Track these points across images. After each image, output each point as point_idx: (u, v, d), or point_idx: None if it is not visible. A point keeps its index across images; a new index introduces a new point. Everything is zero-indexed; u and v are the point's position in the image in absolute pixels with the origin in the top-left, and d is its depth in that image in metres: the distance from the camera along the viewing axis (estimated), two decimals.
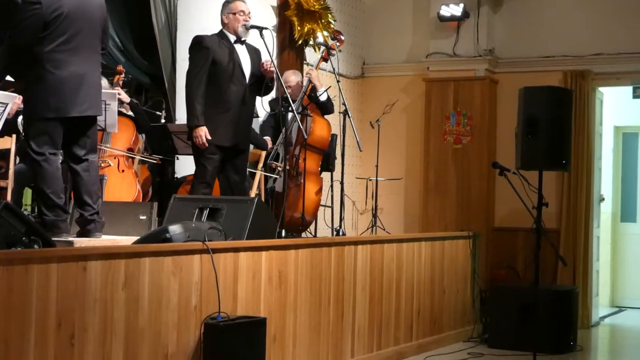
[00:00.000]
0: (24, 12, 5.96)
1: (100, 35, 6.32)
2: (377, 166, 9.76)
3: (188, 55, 7.35)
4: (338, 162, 8.98)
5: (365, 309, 7.26)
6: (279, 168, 8.34)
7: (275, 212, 7.86)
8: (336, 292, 6.83)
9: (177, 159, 8.85)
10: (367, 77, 11.64)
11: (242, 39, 7.37)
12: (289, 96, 7.74)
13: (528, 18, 10.81)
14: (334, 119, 9.08)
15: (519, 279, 10.04)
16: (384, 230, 9.69)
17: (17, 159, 8.18)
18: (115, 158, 8.27)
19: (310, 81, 8.66)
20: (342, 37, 9.17)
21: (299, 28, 9.79)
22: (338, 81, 8.42)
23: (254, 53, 7.46)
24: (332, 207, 8.88)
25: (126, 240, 6.05)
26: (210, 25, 7.50)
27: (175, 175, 9.21)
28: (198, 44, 7.29)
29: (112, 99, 7.65)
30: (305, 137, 7.84)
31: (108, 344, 4.67)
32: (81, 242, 5.93)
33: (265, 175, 8.47)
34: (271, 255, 6.02)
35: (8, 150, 8.04)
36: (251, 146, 7.96)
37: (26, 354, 4.20)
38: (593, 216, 10.45)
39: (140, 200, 8.28)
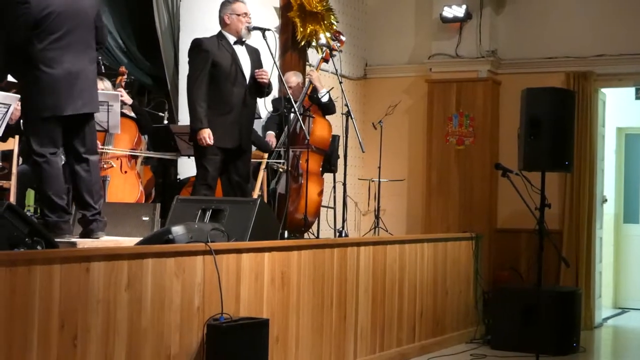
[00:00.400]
0: (13, 11, 5.94)
1: (93, 30, 6.29)
2: (379, 167, 9.75)
3: (188, 59, 7.36)
4: (340, 163, 8.98)
5: (367, 310, 7.26)
6: (280, 169, 8.34)
7: (278, 213, 7.87)
8: (339, 293, 6.83)
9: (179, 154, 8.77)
10: (370, 78, 11.63)
11: (244, 40, 7.37)
12: (289, 94, 7.74)
13: (530, 19, 10.81)
14: (337, 120, 9.08)
15: (522, 280, 10.04)
16: (387, 231, 9.69)
17: (20, 160, 8.18)
18: (117, 159, 8.27)
19: (310, 82, 8.66)
20: (343, 38, 9.17)
21: (301, 29, 9.79)
22: (340, 82, 8.42)
23: (254, 53, 7.46)
24: (334, 208, 8.88)
25: (129, 242, 6.06)
26: (213, 27, 7.50)
27: (178, 177, 9.21)
28: (197, 47, 7.30)
29: (115, 100, 7.65)
30: (307, 138, 7.84)
31: (111, 345, 4.67)
32: (84, 243, 5.93)
33: (267, 177, 8.46)
34: (274, 256, 6.02)
35: (11, 151, 8.04)
36: (253, 147, 7.96)
37: (29, 355, 4.20)
38: (596, 217, 10.44)
39: (143, 202, 8.28)
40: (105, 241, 6.22)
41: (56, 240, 5.42)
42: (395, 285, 7.73)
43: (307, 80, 8.74)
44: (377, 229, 9.71)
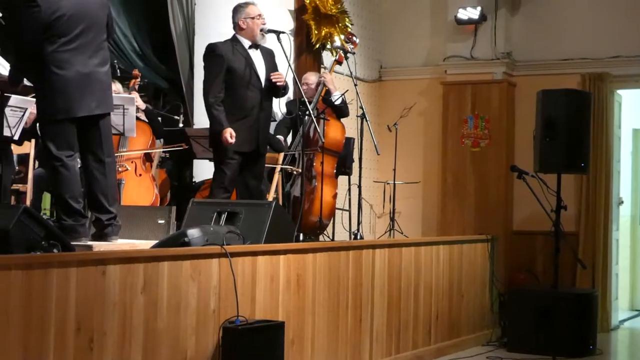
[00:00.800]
0: (23, 15, 5.96)
1: (104, 32, 6.30)
2: (394, 170, 9.73)
3: (203, 64, 7.37)
4: (356, 165, 8.97)
5: (383, 313, 7.25)
6: (294, 172, 8.34)
7: (292, 216, 7.87)
8: (354, 295, 6.82)
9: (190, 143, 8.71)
10: (385, 80, 11.63)
11: (259, 43, 7.38)
12: (304, 96, 7.74)
13: (546, 21, 10.78)
14: (352, 122, 9.08)
15: (538, 283, 10.00)
16: (402, 233, 9.68)
17: (36, 163, 8.22)
18: (132, 162, 8.29)
19: (324, 84, 8.66)
20: (355, 39, 9.16)
21: (316, 32, 9.80)
22: (355, 85, 8.42)
23: (269, 55, 7.46)
24: (349, 211, 8.87)
25: (145, 244, 6.07)
26: (228, 30, 7.51)
27: (194, 180, 9.23)
28: (212, 52, 7.30)
29: (130, 103, 7.66)
30: (322, 140, 7.84)
31: (127, 348, 4.67)
32: (100, 247, 5.94)
33: (282, 180, 8.47)
34: (289, 259, 6.02)
35: (27, 155, 8.07)
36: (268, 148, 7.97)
37: (45, 358, 4.21)
38: (612, 219, 10.41)
39: (158, 204, 8.30)
40: (121, 244, 6.22)
41: (72, 243, 5.43)
42: (410, 288, 7.72)
43: (320, 82, 8.73)
44: (392, 231, 9.69)
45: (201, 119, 7.79)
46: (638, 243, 12.47)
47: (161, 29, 10.39)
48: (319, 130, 7.70)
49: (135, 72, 9.03)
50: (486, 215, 10.53)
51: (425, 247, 8.04)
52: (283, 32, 7.30)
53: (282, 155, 8.26)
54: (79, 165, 6.30)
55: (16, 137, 7.13)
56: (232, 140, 7.06)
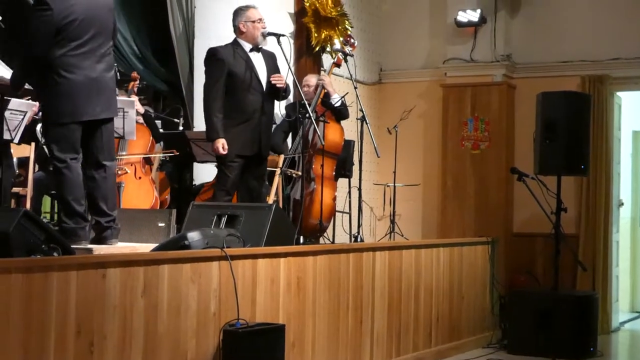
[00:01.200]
0: (34, 18, 5.99)
1: (111, 35, 6.34)
2: (394, 172, 9.74)
3: (204, 68, 7.38)
4: (356, 168, 8.97)
5: (384, 315, 7.25)
6: (294, 175, 8.34)
7: (293, 219, 7.87)
8: (355, 298, 6.82)
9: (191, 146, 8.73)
10: (384, 83, 11.63)
11: (260, 46, 7.38)
12: (304, 99, 7.75)
13: (545, 23, 10.78)
14: (352, 125, 9.08)
15: (538, 285, 10.00)
16: (402, 236, 9.68)
17: (37, 166, 8.22)
18: (131, 165, 8.29)
19: (322, 87, 8.65)
20: (354, 41, 9.16)
21: (316, 35, 9.80)
22: (355, 87, 8.42)
23: (270, 58, 7.47)
24: (350, 213, 8.87)
25: (145, 248, 6.07)
26: (228, 33, 7.52)
27: (194, 182, 9.23)
28: (213, 56, 7.31)
29: (130, 106, 7.67)
30: (322, 143, 7.84)
31: (127, 351, 4.67)
32: (100, 250, 5.95)
33: (283, 182, 8.47)
34: (289, 261, 6.02)
35: (27, 158, 8.07)
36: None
37: None
38: (612, 221, 10.41)
39: (158, 207, 8.30)
40: (121, 247, 6.23)
41: (72, 246, 5.43)
42: (411, 290, 7.72)
43: (319, 85, 8.72)
44: (392, 233, 9.69)
45: (201, 122, 7.79)
46: (638, 245, 12.48)
47: (161, 32, 10.40)
48: (318, 133, 7.70)
49: (134, 74, 9.03)
50: (486, 217, 10.53)
51: (425, 250, 8.04)
52: (283, 35, 7.30)
53: (282, 158, 8.26)
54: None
55: (16, 141, 7.13)
56: (224, 152, 7.09)
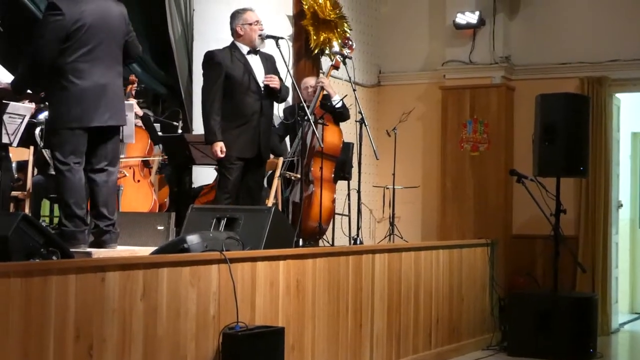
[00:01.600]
0: (46, 23, 6.02)
1: (121, 45, 6.36)
2: (394, 174, 9.74)
3: (202, 72, 7.39)
4: (355, 170, 8.97)
5: (383, 318, 7.25)
6: (293, 178, 8.34)
7: (292, 222, 7.87)
8: (354, 300, 6.82)
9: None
10: (383, 85, 11.64)
11: (258, 49, 7.38)
12: (303, 102, 7.75)
13: (544, 25, 10.79)
14: (351, 127, 9.08)
15: (538, 286, 10.00)
16: (402, 238, 9.68)
17: (35, 170, 8.21)
18: (130, 168, 8.29)
19: (322, 88, 8.65)
20: (352, 44, 9.16)
21: (314, 37, 9.80)
22: (354, 90, 8.42)
23: (268, 60, 7.47)
24: (349, 216, 8.87)
25: (144, 251, 6.07)
26: (226, 36, 7.52)
27: (193, 185, 9.22)
28: (210, 59, 7.32)
29: (130, 109, 7.65)
30: (321, 145, 7.84)
31: (127, 355, 4.67)
32: (99, 253, 5.94)
33: (282, 185, 8.47)
34: (289, 264, 6.02)
35: (26, 162, 8.06)
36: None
37: None
38: (611, 222, 10.41)
39: (157, 210, 8.29)
40: (121, 251, 6.23)
41: (71, 250, 5.43)
42: (410, 293, 7.72)
43: (318, 87, 8.72)
44: (392, 236, 9.69)
45: (200, 125, 7.79)
46: (638, 246, 12.48)
47: (159, 35, 10.38)
48: (317, 136, 7.70)
49: (132, 77, 9.02)
50: (486, 219, 10.53)
51: (425, 252, 8.04)
52: (281, 38, 7.31)
53: (281, 160, 8.26)
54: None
55: (15, 145, 7.13)
56: (222, 155, 7.10)
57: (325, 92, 8.67)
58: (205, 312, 5.23)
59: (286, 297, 5.98)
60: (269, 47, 7.43)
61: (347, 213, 8.90)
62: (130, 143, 8.15)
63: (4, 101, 6.95)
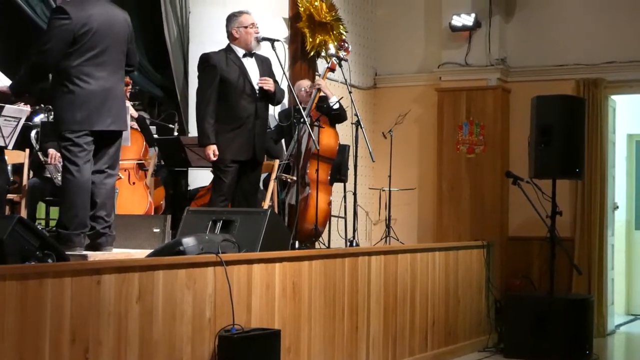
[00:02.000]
0: (53, 26, 6.04)
1: (125, 50, 6.40)
2: (390, 176, 9.74)
3: (197, 74, 7.39)
4: (351, 172, 8.97)
5: (379, 320, 7.25)
6: (289, 180, 8.34)
7: (288, 224, 7.87)
8: (350, 303, 6.82)
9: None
10: (379, 87, 11.64)
11: (253, 51, 7.38)
12: (299, 104, 7.75)
13: (540, 27, 10.80)
14: (347, 129, 9.08)
15: (534, 288, 10.01)
16: (398, 240, 9.67)
17: (31, 173, 8.20)
18: (125, 171, 8.29)
19: (319, 90, 8.64)
20: (348, 46, 9.16)
21: (310, 40, 9.81)
22: (350, 92, 8.42)
23: (264, 63, 7.47)
24: (345, 218, 8.87)
25: (140, 253, 6.06)
26: (222, 38, 7.51)
27: (189, 188, 9.22)
28: (205, 62, 7.32)
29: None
30: (317, 147, 7.84)
31: (122, 358, 4.66)
32: (95, 256, 5.94)
33: (278, 187, 8.47)
34: (285, 266, 6.02)
35: (22, 165, 8.06)
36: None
37: None
38: (607, 224, 10.41)
39: (152, 213, 8.29)
40: (116, 253, 6.23)
41: (67, 253, 5.43)
42: (407, 295, 7.72)
43: (315, 89, 8.71)
44: (388, 238, 9.69)
45: (196, 128, 7.79)
46: (633, 248, 12.49)
47: (155, 37, 10.39)
48: (313, 138, 7.70)
49: (127, 79, 9.02)
50: (482, 221, 10.54)
51: (421, 254, 8.04)
52: (277, 40, 7.31)
53: (277, 163, 8.26)
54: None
55: (10, 147, 7.12)
56: (214, 158, 7.11)
57: (321, 94, 8.66)
58: (201, 314, 5.23)
59: (282, 300, 5.98)
60: (264, 49, 7.43)
61: (343, 215, 8.89)
62: (125, 145, 8.14)
63: None
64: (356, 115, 8.42)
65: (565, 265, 9.62)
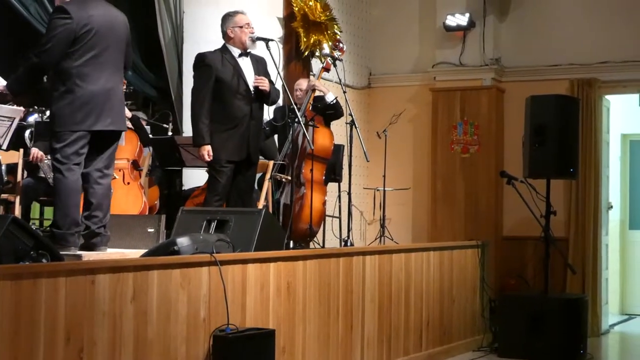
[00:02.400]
0: (54, 26, 6.03)
1: (124, 51, 6.41)
2: (384, 176, 9.75)
3: (193, 73, 7.39)
4: (345, 172, 8.98)
5: (374, 320, 7.25)
6: (284, 180, 8.34)
7: (282, 224, 7.87)
8: (345, 302, 6.82)
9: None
10: (374, 87, 11.64)
11: (248, 51, 7.38)
12: (294, 104, 7.75)
13: (534, 27, 10.81)
14: (341, 129, 9.08)
15: (528, 288, 10.02)
16: (392, 240, 9.68)
17: (25, 173, 8.19)
18: (120, 171, 8.28)
19: (314, 90, 8.64)
20: (343, 46, 9.16)
21: (305, 39, 9.81)
22: (344, 92, 8.42)
23: (259, 63, 7.46)
24: (339, 218, 8.87)
25: (134, 253, 6.05)
26: (217, 38, 7.51)
27: (183, 187, 9.21)
28: (200, 62, 7.32)
29: None
30: (312, 147, 7.84)
31: (117, 358, 4.66)
32: (89, 256, 5.93)
33: (272, 187, 8.46)
34: (279, 266, 6.01)
35: (16, 165, 8.05)
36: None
37: None
38: (601, 224, 10.43)
39: (147, 213, 8.28)
40: (111, 253, 6.22)
41: (61, 253, 5.42)
42: (401, 294, 7.72)
43: (309, 89, 8.70)
44: (382, 237, 9.70)
45: (190, 128, 7.79)
46: (627, 248, 12.51)
47: (150, 37, 10.38)
48: (307, 138, 7.70)
49: None
50: (476, 221, 10.55)
51: (415, 254, 8.04)
52: (272, 40, 7.31)
53: (272, 163, 8.26)
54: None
55: (4, 147, 7.11)
56: (209, 158, 7.10)
57: (317, 94, 8.66)
58: (196, 314, 5.22)
59: (277, 299, 5.97)
60: (259, 49, 7.42)
61: (337, 215, 8.89)
62: (119, 145, 8.14)
63: None
64: (351, 115, 8.43)
65: (560, 265, 9.63)
